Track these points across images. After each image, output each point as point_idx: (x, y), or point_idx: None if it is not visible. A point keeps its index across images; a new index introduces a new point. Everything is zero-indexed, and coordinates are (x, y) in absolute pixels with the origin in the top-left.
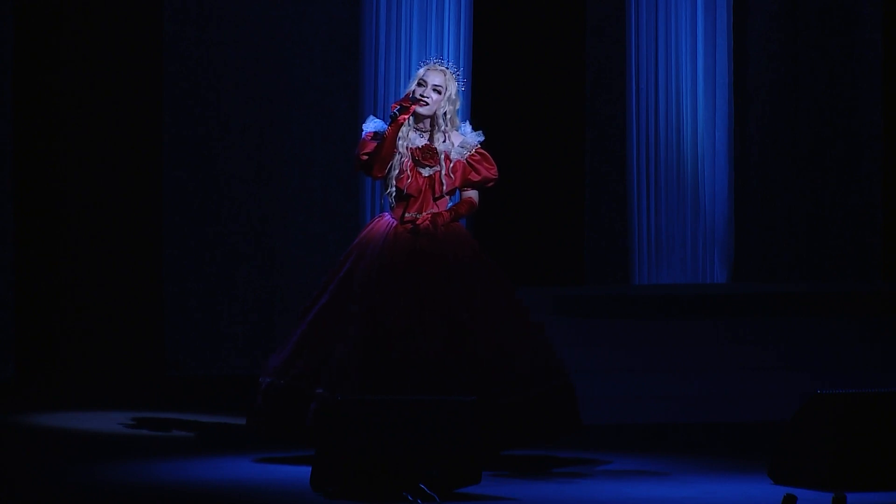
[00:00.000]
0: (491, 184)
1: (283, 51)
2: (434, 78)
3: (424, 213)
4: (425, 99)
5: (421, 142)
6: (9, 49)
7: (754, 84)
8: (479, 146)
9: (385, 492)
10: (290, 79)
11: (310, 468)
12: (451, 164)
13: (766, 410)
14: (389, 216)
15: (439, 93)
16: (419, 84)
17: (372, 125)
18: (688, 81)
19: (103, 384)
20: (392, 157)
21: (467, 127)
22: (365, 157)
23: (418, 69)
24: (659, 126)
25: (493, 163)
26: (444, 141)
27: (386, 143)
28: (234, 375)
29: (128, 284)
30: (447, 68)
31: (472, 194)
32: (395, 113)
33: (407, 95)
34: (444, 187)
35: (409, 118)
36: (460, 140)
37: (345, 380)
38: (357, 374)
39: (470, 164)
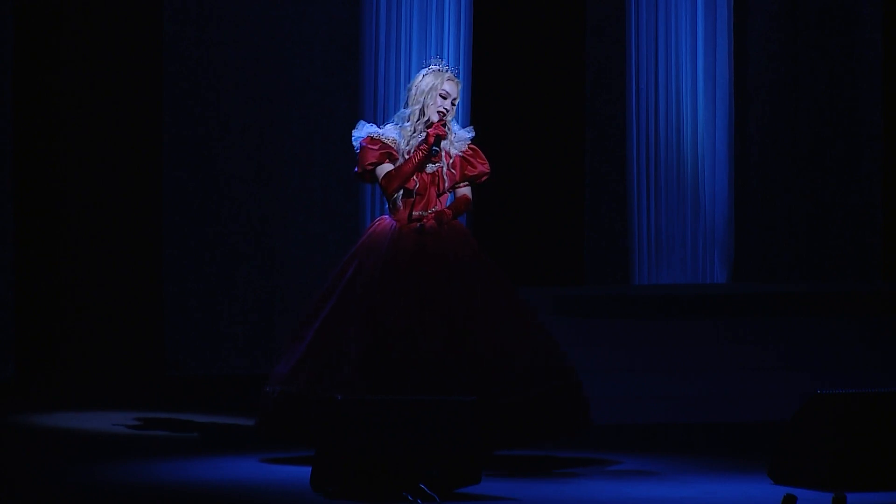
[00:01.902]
0: (485, 178)
1: (283, 51)
2: (453, 91)
3: (429, 212)
4: (445, 114)
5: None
6: (9, 49)
7: (754, 84)
8: (470, 141)
9: (385, 492)
10: (290, 79)
11: (310, 468)
12: (451, 161)
13: (766, 410)
14: (389, 218)
15: (454, 105)
16: (441, 96)
17: (364, 131)
18: (688, 81)
19: (103, 384)
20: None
21: (455, 125)
22: (372, 169)
23: (426, 71)
24: (659, 126)
25: (485, 158)
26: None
27: (414, 168)
28: (234, 375)
29: (128, 284)
30: (454, 74)
31: (467, 191)
32: (436, 150)
33: (440, 133)
34: (447, 183)
35: (415, 122)
36: (453, 136)
37: (345, 380)
38: (357, 374)
39: (465, 158)
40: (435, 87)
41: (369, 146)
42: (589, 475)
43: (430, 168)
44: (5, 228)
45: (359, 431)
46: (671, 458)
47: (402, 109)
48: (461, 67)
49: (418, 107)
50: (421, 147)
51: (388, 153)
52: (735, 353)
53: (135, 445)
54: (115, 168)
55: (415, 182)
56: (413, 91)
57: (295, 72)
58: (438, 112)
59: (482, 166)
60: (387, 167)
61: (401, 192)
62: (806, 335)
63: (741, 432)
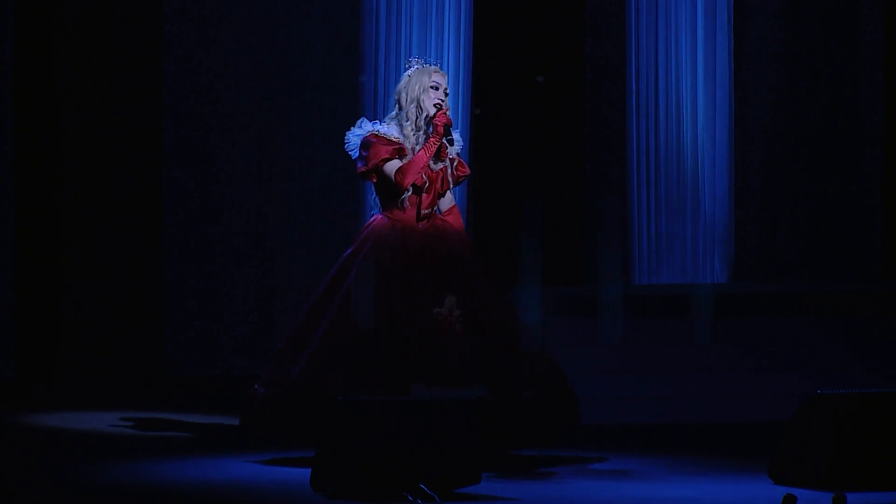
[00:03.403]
0: (464, 179)
1: (283, 51)
2: (442, 80)
3: (432, 211)
4: (444, 105)
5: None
6: (9, 49)
7: (754, 84)
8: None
9: (385, 492)
10: (290, 79)
11: (310, 468)
12: (455, 162)
13: (766, 410)
14: (384, 217)
15: (446, 94)
16: (433, 87)
17: (367, 128)
18: (688, 81)
19: (103, 384)
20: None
21: None
22: (383, 165)
23: (410, 71)
24: (659, 126)
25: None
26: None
27: (427, 156)
28: (234, 375)
29: (128, 285)
30: (437, 66)
31: (453, 202)
32: (449, 138)
33: (445, 123)
34: (451, 184)
35: (414, 119)
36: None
37: (366, 381)
38: (377, 375)
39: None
40: (424, 82)
41: (379, 142)
42: (588, 475)
43: (436, 167)
44: (5, 228)
45: (359, 431)
46: (671, 458)
47: (395, 111)
48: (461, 67)
49: (413, 105)
50: (432, 139)
51: (398, 149)
52: (734, 353)
53: (134, 445)
54: (115, 168)
55: (423, 179)
56: (403, 92)
57: (295, 72)
58: (435, 105)
59: (466, 168)
60: (397, 163)
61: (409, 189)
62: (806, 335)
63: (741, 432)
